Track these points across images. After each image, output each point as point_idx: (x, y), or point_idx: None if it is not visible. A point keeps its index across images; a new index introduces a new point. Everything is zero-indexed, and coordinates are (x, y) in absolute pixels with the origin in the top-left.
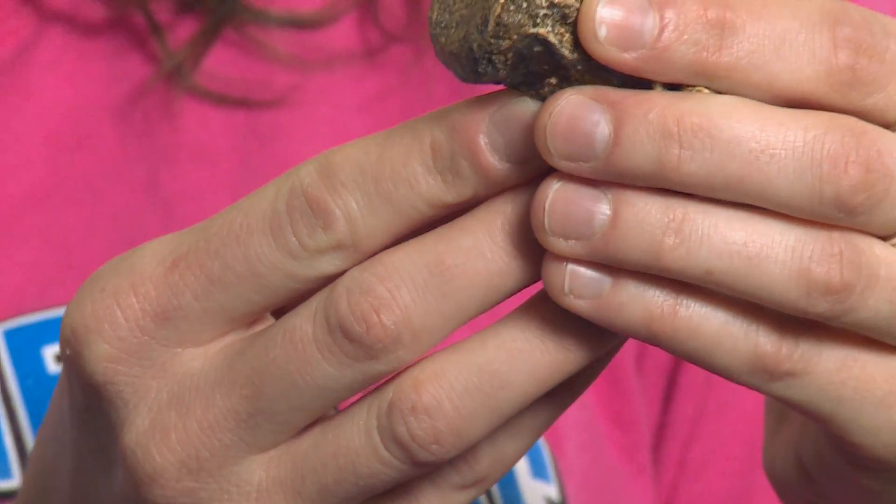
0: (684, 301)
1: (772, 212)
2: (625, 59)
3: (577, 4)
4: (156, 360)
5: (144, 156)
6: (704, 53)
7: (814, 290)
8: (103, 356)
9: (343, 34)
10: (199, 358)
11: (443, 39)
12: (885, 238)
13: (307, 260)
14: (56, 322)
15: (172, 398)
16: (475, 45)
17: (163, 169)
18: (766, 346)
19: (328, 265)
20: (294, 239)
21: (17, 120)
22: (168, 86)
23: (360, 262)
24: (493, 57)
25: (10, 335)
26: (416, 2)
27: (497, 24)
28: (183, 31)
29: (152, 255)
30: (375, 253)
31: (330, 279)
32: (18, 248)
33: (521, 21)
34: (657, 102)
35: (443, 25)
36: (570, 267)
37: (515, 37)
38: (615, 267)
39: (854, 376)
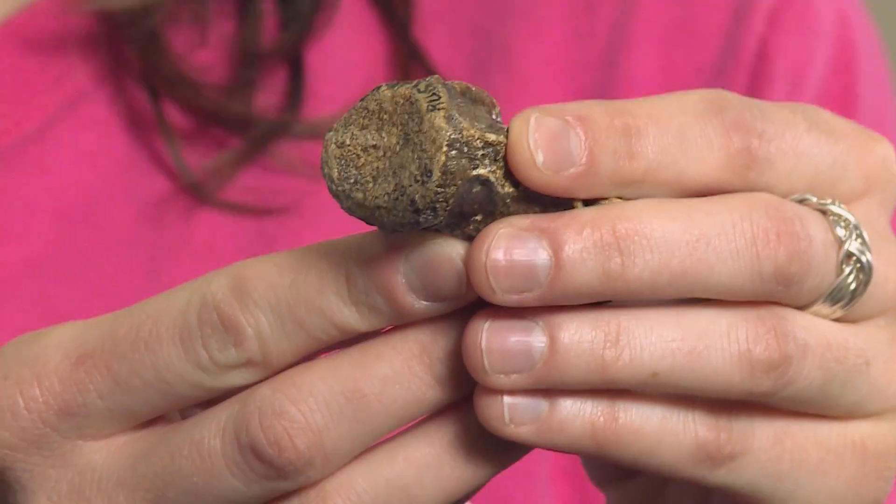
0: (621, 405)
1: (698, 303)
2: (559, 180)
3: (505, 139)
4: (55, 451)
5: (151, 244)
6: (622, 161)
7: (757, 369)
8: (3, 443)
9: None
10: (100, 451)
11: (359, 195)
12: (802, 308)
13: (216, 373)
14: None
15: (73, 490)
16: (417, 197)
17: (167, 259)
18: (706, 433)
19: (237, 379)
20: (204, 353)
21: (28, 190)
22: (185, 192)
23: (269, 376)
24: (437, 205)
25: None
26: None
27: (443, 173)
28: (208, 144)
29: (57, 347)
30: (285, 368)
31: (238, 389)
32: (10, 314)
33: (464, 165)
34: (586, 218)
35: (351, 181)
36: (508, 398)
37: (460, 182)
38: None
39: (788, 448)
